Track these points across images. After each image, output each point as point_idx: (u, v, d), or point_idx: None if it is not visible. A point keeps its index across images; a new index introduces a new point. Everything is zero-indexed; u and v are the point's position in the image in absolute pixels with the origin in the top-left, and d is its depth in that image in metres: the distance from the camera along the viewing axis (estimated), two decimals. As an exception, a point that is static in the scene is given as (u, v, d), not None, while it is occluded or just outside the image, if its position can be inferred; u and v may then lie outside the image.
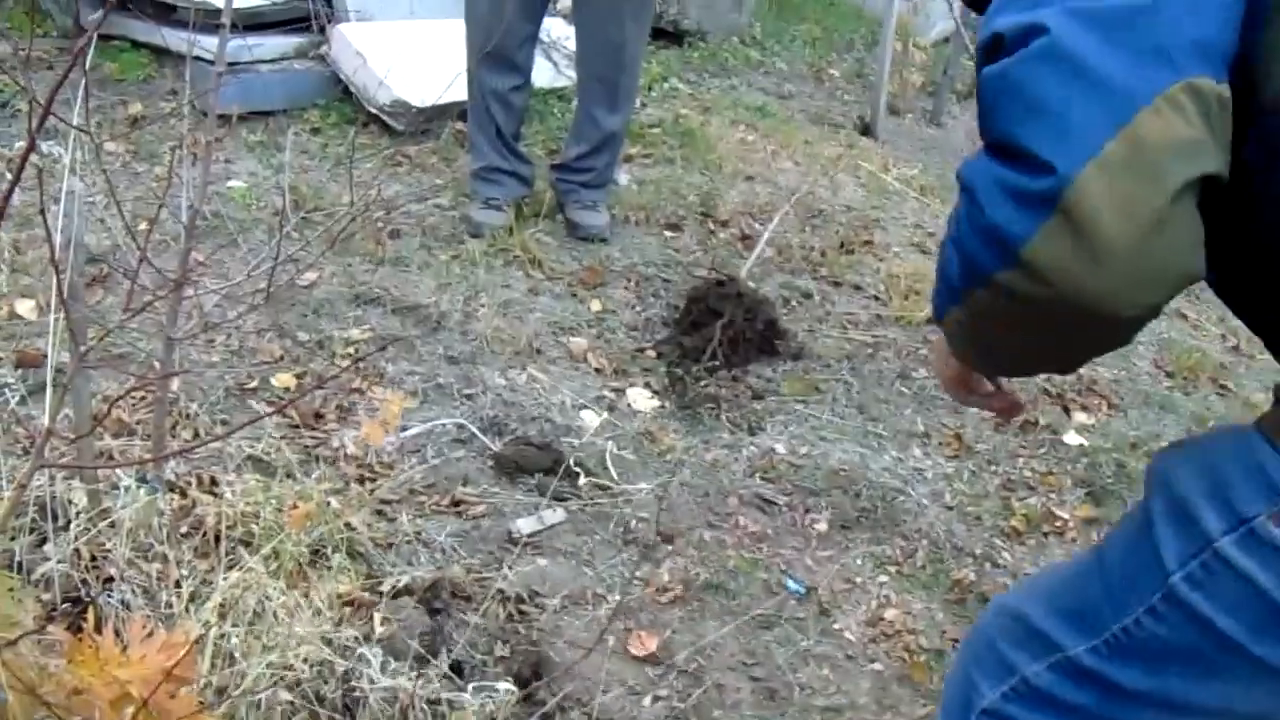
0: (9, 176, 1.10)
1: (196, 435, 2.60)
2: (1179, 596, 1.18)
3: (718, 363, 3.45)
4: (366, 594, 2.24)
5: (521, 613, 2.44)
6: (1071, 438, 3.44)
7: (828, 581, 2.74)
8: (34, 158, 0.97)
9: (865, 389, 3.49)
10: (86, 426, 1.99)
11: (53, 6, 4.79)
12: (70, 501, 2.10)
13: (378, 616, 2.20)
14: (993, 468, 3.24)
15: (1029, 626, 1.38)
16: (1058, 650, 1.33)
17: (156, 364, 2.35)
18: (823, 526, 2.92)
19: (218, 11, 2.03)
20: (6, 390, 2.58)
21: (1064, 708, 1.34)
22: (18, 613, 1.28)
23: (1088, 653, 1.29)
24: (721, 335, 3.46)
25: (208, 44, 3.81)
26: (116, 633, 1.86)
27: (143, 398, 2.60)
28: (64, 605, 1.77)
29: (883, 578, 2.81)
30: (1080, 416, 3.56)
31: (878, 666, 2.54)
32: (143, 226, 2.96)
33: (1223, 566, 1.14)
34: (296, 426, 2.78)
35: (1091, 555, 1.36)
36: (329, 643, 2.04)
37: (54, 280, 1.43)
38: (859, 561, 2.83)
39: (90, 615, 1.59)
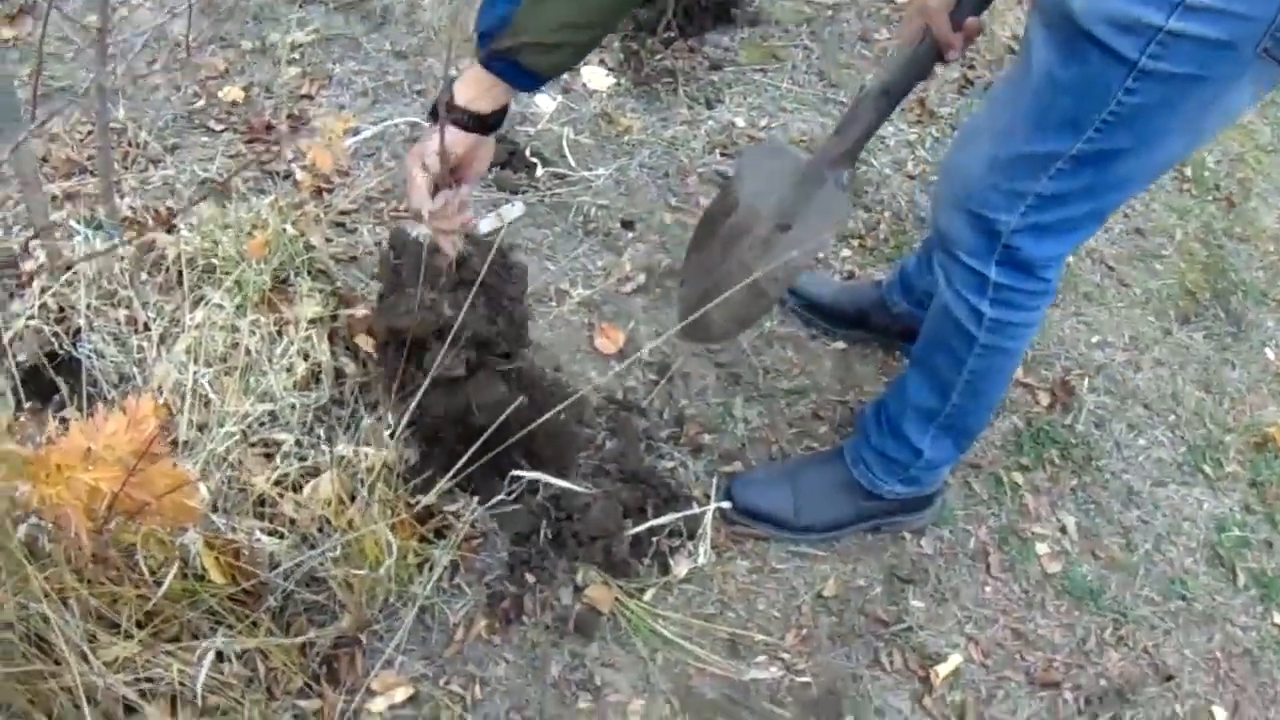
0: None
1: (149, 166, 2.59)
2: (1148, 70, 1.50)
3: (673, 34, 3.38)
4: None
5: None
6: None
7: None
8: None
9: (825, 54, 3.43)
10: (33, 177, 1.98)
11: None
12: (30, 255, 2.12)
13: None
14: (955, 133, 3.22)
15: (1016, 156, 1.70)
16: (1056, 158, 1.65)
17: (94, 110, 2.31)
18: (782, 202, 2.93)
19: None
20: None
21: (1074, 195, 1.70)
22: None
23: (1084, 143, 1.62)
24: (676, 5, 3.37)
25: None
26: (92, 386, 1.93)
27: (89, 131, 2.57)
28: (29, 404, 1.80)
29: (846, 252, 2.86)
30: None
31: (841, 346, 2.62)
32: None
33: (1174, 39, 1.46)
34: (250, 142, 2.76)
35: (1037, 86, 1.64)
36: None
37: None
38: (820, 237, 2.86)
39: (55, 394, 1.63)
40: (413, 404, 1.82)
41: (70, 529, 1.21)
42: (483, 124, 1.64)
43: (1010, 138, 1.71)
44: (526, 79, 1.59)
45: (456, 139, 1.63)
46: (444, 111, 1.59)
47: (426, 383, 1.80)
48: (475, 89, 1.60)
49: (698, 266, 2.15)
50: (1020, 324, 1.91)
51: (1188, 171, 3.35)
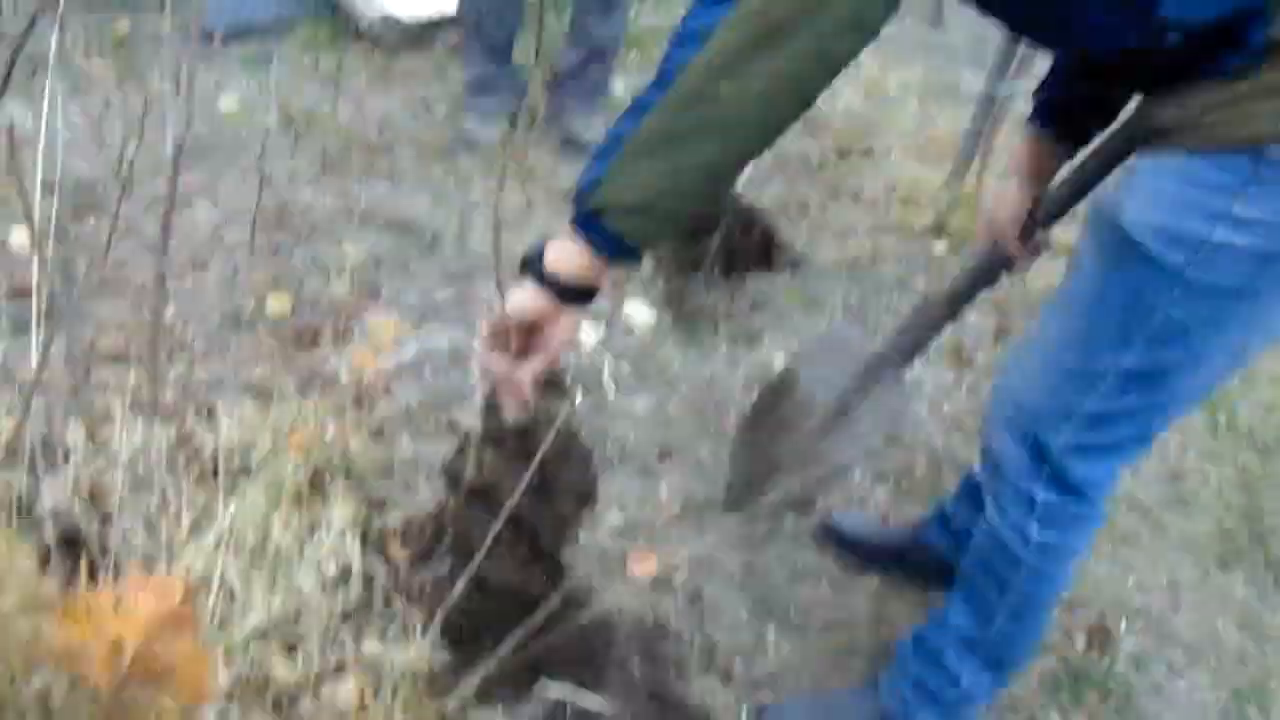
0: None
1: (192, 364, 2.60)
2: (1191, 281, 1.49)
3: (715, 274, 3.44)
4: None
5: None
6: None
7: (825, 497, 2.75)
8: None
9: (864, 299, 3.49)
10: (80, 365, 1.99)
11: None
12: (67, 439, 2.11)
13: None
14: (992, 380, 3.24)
15: (1065, 373, 1.69)
16: (1104, 374, 1.64)
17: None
18: (821, 441, 2.92)
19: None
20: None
21: (1122, 414, 1.67)
22: (13, 563, 1.28)
23: (1131, 359, 1.60)
24: (719, 247, 3.44)
25: (194, -40, 3.74)
26: (117, 571, 1.89)
27: (138, 325, 2.60)
28: (58, 552, 1.77)
29: (881, 494, 2.83)
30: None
31: (876, 583, 2.56)
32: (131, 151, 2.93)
33: (1221, 250, 1.46)
34: (293, 349, 2.78)
35: (1086, 301, 1.65)
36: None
37: (35, 215, 1.41)
38: (858, 475, 2.84)
39: (84, 562, 1.60)
40: (450, 600, 1.77)
41: (91, 679, 1.16)
42: (561, 290, 1.51)
43: (1059, 354, 1.70)
44: (609, 243, 1.43)
45: (530, 298, 1.51)
46: (499, 263, 1.56)
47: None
48: (558, 251, 1.47)
49: (749, 443, 2.15)
50: (1067, 547, 1.87)
51: (1221, 419, 3.34)
